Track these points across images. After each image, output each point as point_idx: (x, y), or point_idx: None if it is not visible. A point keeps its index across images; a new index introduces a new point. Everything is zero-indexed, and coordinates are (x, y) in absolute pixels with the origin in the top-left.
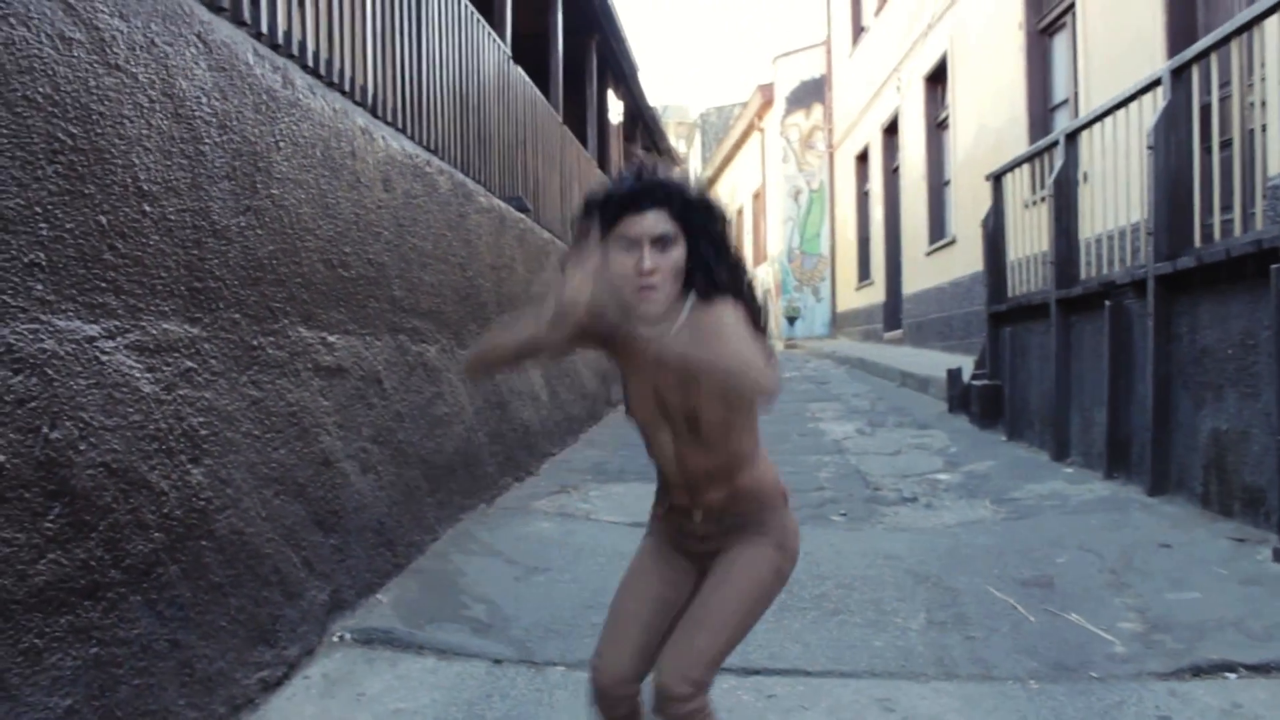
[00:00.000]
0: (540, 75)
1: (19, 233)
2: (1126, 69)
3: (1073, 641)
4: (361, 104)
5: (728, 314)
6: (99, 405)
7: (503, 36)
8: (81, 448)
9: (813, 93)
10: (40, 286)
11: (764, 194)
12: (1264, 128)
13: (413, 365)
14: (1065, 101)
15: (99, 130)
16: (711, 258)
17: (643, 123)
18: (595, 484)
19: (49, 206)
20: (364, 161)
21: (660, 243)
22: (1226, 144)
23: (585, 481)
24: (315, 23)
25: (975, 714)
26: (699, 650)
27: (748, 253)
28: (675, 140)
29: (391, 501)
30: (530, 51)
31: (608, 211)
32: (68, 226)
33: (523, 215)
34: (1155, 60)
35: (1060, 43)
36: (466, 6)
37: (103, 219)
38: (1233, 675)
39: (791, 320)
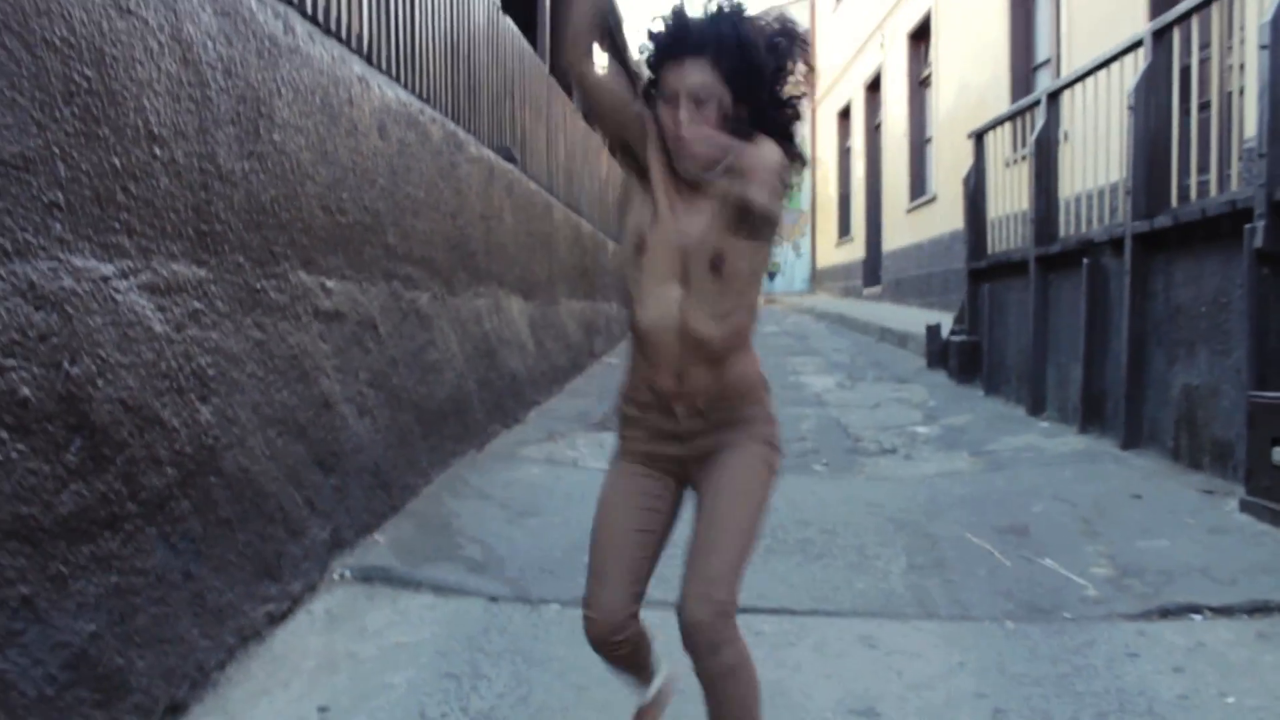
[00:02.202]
0: (528, 25)
1: (39, 173)
2: (1108, 29)
3: (1047, 585)
4: (358, 52)
5: (767, 152)
6: (115, 343)
7: None
8: (99, 384)
9: None
10: (59, 226)
11: None
12: (1241, 90)
13: (406, 311)
14: (1047, 61)
15: (112, 73)
16: (757, 103)
17: (628, 76)
18: (582, 432)
19: (66, 148)
20: (360, 109)
21: (697, 98)
22: (1205, 106)
23: (572, 430)
24: None
25: (954, 651)
26: (717, 571)
27: None
28: None
29: (387, 445)
30: (518, 2)
31: (653, 56)
32: (83, 168)
33: (511, 165)
34: (1136, 21)
35: (1043, 2)
36: None
37: (116, 161)
38: (1198, 616)
39: (771, 275)
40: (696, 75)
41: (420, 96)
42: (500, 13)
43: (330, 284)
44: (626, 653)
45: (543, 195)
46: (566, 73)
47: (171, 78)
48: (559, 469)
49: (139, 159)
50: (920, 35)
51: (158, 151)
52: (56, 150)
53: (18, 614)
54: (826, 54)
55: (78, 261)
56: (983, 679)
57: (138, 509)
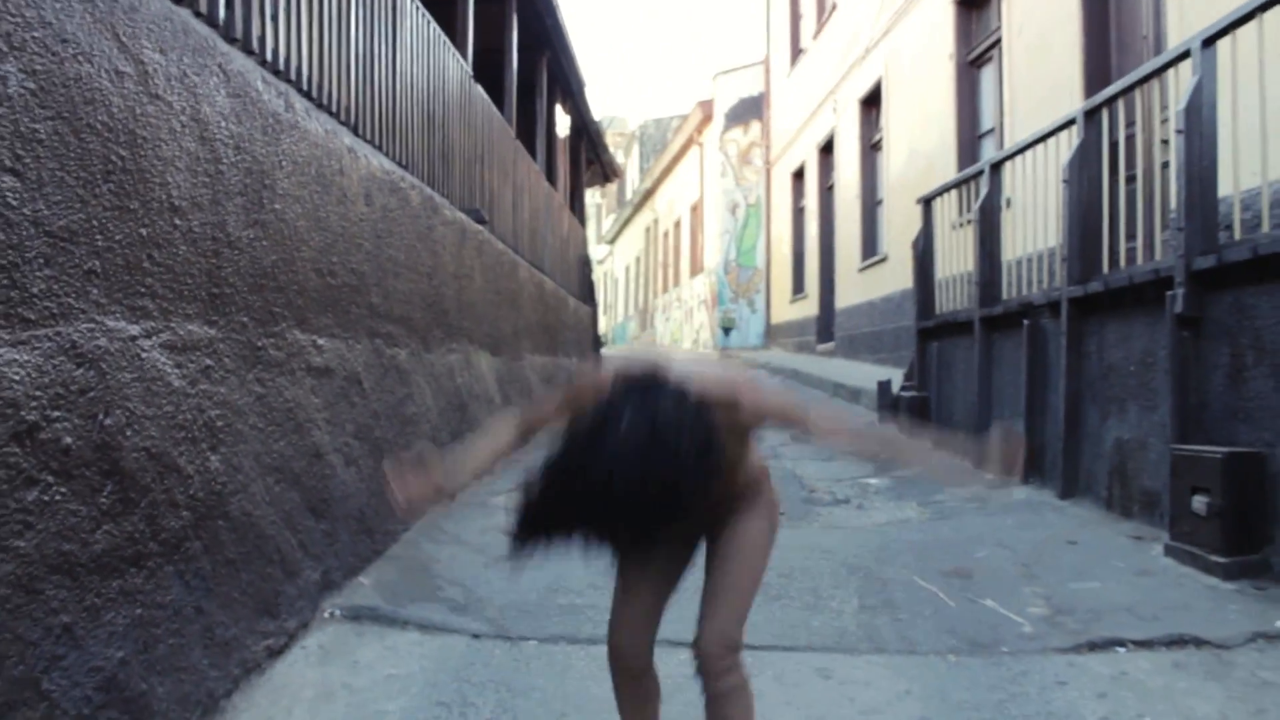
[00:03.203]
0: (495, 90)
1: (80, 243)
2: (1047, 102)
3: (987, 623)
4: (346, 124)
5: None
6: (140, 396)
7: (464, 54)
8: (128, 434)
9: (751, 110)
10: (96, 291)
11: (702, 207)
12: (1165, 164)
13: (387, 367)
14: (992, 130)
15: (142, 152)
16: None
17: (587, 136)
18: None
19: (103, 220)
20: (349, 178)
21: None
22: (1134, 178)
23: None
24: (309, 49)
25: (902, 680)
26: (730, 617)
27: (685, 264)
28: (614, 150)
29: (370, 493)
30: (486, 67)
31: None
32: (116, 238)
33: (481, 226)
34: (1074, 94)
35: (988, 75)
36: (435, 30)
37: (143, 231)
38: (1122, 649)
39: (727, 331)
40: None
41: (400, 164)
42: (472, 81)
43: (321, 342)
44: (648, 683)
45: (509, 254)
46: (527, 139)
47: (190, 155)
48: None
49: (162, 229)
50: (871, 102)
51: (177, 222)
52: (95, 223)
53: (60, 640)
54: (781, 117)
55: (110, 323)
56: (927, 704)
57: (158, 548)
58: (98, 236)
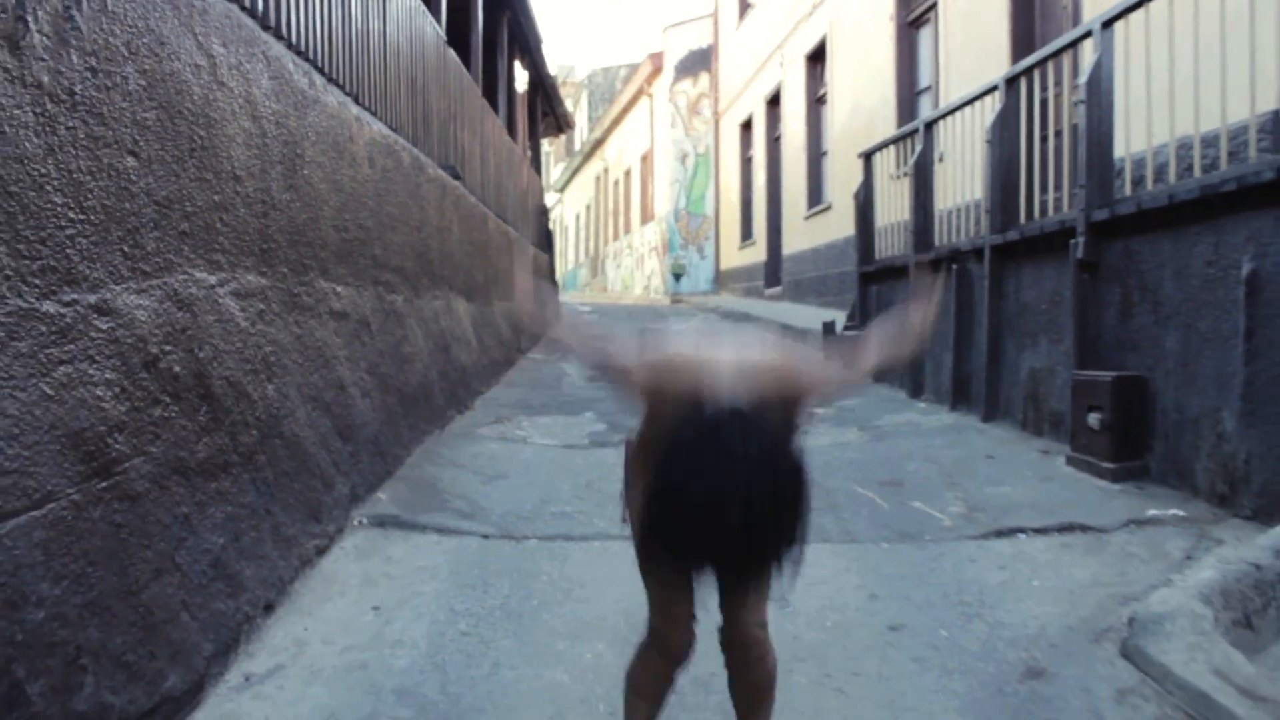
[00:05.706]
0: (462, 49)
1: (175, 210)
2: (979, 62)
3: (914, 519)
4: (352, 95)
5: None
6: (220, 335)
7: (438, 19)
8: (214, 365)
9: (700, 62)
10: (187, 248)
11: (652, 156)
12: (1075, 127)
13: (387, 312)
14: (929, 87)
15: (214, 131)
16: None
17: (543, 90)
18: (525, 416)
19: (189, 190)
20: (357, 144)
21: None
22: (1052, 135)
23: (515, 414)
24: (321, 29)
25: (842, 561)
26: (761, 601)
27: (635, 213)
28: (563, 99)
29: (381, 421)
30: (454, 27)
31: None
32: (199, 204)
33: (456, 182)
34: (1002, 56)
35: (925, 35)
36: (418, 2)
37: (215, 197)
38: (1023, 535)
39: (677, 276)
40: None
41: (393, 128)
42: (446, 45)
43: (339, 289)
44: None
45: (480, 207)
46: (490, 96)
47: (245, 131)
48: (513, 445)
49: (227, 195)
50: (817, 57)
51: (238, 189)
52: (185, 192)
53: (183, 526)
54: (729, 70)
55: (197, 274)
56: (863, 577)
57: (238, 459)
58: (186, 204)
